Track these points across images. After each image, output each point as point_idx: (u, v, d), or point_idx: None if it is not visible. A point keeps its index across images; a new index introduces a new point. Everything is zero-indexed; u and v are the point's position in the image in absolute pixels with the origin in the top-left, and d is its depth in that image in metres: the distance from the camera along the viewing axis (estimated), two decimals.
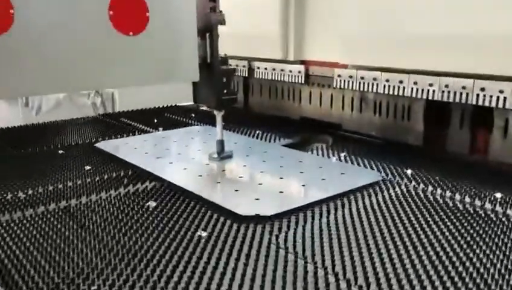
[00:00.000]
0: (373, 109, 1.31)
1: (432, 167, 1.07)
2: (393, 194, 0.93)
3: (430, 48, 1.09)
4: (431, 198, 0.90)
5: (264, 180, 1.03)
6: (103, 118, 1.79)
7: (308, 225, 0.80)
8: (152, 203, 0.90)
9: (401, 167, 1.08)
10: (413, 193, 0.93)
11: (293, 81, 1.50)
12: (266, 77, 1.60)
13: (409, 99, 1.21)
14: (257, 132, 1.46)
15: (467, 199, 0.88)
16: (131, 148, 1.30)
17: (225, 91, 1.17)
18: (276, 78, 1.56)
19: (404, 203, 0.88)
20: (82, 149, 1.32)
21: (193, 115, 1.75)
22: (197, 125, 1.60)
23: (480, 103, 1.02)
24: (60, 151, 1.29)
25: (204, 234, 0.77)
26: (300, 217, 0.83)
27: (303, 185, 0.99)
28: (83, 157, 1.23)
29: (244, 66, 1.70)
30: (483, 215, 0.81)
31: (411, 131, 1.23)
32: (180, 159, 1.22)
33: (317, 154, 1.23)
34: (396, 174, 1.05)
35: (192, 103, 2.02)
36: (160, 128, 1.54)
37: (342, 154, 1.20)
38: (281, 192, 0.95)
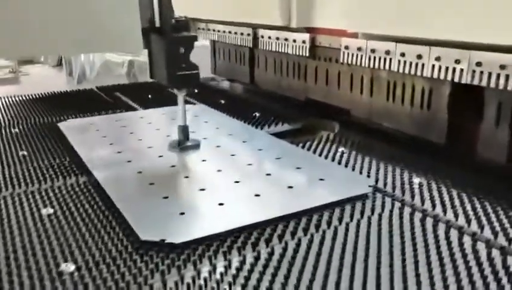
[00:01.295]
0: (386, 92, 1.01)
1: (451, 176, 0.78)
2: (375, 219, 0.65)
3: (461, 12, 0.77)
4: (432, 231, 0.61)
5: (211, 185, 0.77)
6: (98, 91, 1.61)
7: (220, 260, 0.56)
8: (48, 210, 0.69)
9: (409, 173, 0.80)
10: (408, 218, 0.65)
11: (297, 53, 1.22)
12: (270, 48, 1.33)
13: (430, 81, 0.90)
14: (254, 114, 1.21)
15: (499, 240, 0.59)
16: (90, 131, 1.10)
17: (183, 65, 0.93)
18: (280, 50, 1.29)
19: (385, 237, 0.60)
20: (42, 128, 1.13)
21: (196, 91, 1.53)
22: (196, 103, 1.38)
23: None
24: (15, 130, 1.12)
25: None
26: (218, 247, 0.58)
27: (256, 195, 0.72)
28: (34, 139, 1.05)
29: (248, 35, 1.43)
30: None
31: (431, 124, 0.91)
32: (133, 147, 0.99)
33: (308, 149, 0.96)
34: (397, 184, 0.76)
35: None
36: (141, 108, 1.34)
37: (341, 149, 0.93)
38: (220, 204, 0.69)
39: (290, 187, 0.75)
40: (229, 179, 0.79)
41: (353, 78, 1.10)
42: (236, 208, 0.69)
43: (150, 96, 1.50)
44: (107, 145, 0.99)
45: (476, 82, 0.76)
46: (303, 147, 0.97)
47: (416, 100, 0.94)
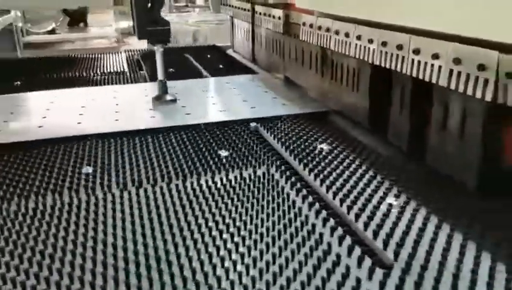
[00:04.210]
0: (330, 71, 1.05)
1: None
2: None
3: None
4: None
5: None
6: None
7: None
8: None
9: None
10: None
11: (274, 29, 1.29)
12: (261, 24, 1.40)
13: (357, 62, 0.91)
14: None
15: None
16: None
17: (154, 21, 1.05)
18: (266, 26, 1.36)
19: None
20: None
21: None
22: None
23: (414, 73, 0.69)
24: None
25: None
26: None
27: None
28: None
29: (248, 10, 1.51)
30: None
31: (357, 105, 0.93)
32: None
33: None
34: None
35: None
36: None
37: None
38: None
39: None
40: None
41: (310, 55, 1.12)
42: None
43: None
44: None
45: (383, 64, 0.80)
46: None
47: (348, 80, 0.96)
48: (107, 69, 1.60)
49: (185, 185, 0.70)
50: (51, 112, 1.10)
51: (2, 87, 1.34)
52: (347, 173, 0.73)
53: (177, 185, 0.70)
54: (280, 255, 0.53)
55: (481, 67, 0.57)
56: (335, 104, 1.02)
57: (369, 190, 0.67)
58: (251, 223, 0.59)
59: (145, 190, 0.69)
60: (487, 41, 0.56)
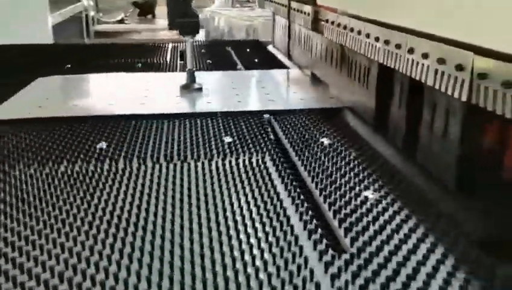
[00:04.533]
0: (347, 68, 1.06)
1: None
2: None
3: None
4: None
5: None
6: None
7: None
8: None
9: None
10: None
11: (306, 26, 1.31)
12: (295, 21, 1.43)
13: (367, 59, 0.91)
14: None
15: None
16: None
17: (184, 13, 1.12)
18: (299, 23, 1.38)
19: None
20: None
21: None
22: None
23: (408, 72, 0.69)
24: None
25: None
26: None
27: None
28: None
29: (285, 6, 1.54)
30: None
31: (366, 103, 0.94)
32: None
33: None
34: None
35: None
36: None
37: None
38: None
39: None
40: None
41: (332, 52, 1.14)
42: None
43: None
44: None
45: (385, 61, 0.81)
46: None
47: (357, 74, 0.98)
48: (158, 58, 1.69)
49: (174, 164, 0.76)
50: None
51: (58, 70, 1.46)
52: (338, 166, 0.76)
53: (174, 165, 0.76)
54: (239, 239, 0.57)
55: (459, 68, 0.58)
56: (348, 101, 1.04)
57: (351, 183, 0.69)
58: (223, 208, 0.64)
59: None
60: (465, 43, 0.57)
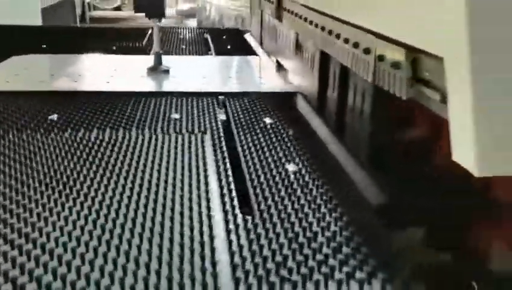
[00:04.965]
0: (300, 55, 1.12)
1: None
2: None
3: None
4: None
5: None
6: None
7: None
8: None
9: None
10: None
11: (271, 14, 1.36)
12: (265, 10, 1.48)
13: (314, 47, 0.97)
14: None
15: None
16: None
17: None
18: (267, 11, 1.43)
19: None
20: None
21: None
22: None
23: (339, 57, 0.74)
24: None
25: None
26: None
27: None
28: None
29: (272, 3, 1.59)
30: None
31: (312, 88, 1.00)
32: None
33: None
34: None
35: None
36: None
37: None
38: None
39: None
40: None
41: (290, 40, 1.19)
42: None
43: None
44: None
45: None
46: None
47: None
48: (135, 43, 1.73)
49: (117, 136, 0.82)
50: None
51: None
52: (271, 142, 0.81)
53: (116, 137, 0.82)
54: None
55: (366, 51, 0.63)
56: (301, 86, 1.09)
57: (276, 157, 0.75)
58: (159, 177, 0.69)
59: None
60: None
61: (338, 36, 0.75)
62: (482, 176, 0.37)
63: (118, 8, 5.49)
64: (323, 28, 0.83)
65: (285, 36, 1.25)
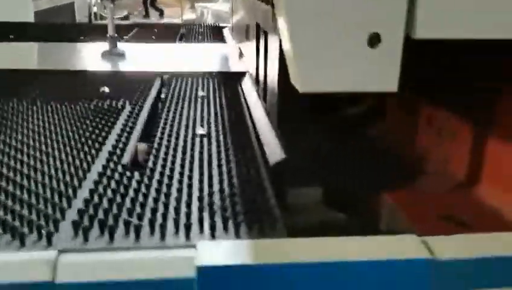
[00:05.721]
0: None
1: None
2: None
3: None
4: None
5: None
6: None
7: None
8: None
9: None
10: None
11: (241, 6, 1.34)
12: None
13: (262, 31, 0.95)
14: None
15: None
16: None
17: None
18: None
19: None
20: None
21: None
22: None
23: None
24: None
25: None
26: None
27: None
28: None
29: None
30: None
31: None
32: None
33: None
34: None
35: None
36: None
37: None
38: None
39: None
40: None
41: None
42: None
43: None
44: None
45: None
46: None
47: None
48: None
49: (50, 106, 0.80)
50: None
51: None
52: (193, 110, 0.79)
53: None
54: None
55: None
56: (250, 68, 1.07)
57: (192, 122, 0.72)
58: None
59: None
60: None
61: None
62: (305, 91, 0.39)
63: (126, 18, 5.55)
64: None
65: (245, 23, 1.23)
